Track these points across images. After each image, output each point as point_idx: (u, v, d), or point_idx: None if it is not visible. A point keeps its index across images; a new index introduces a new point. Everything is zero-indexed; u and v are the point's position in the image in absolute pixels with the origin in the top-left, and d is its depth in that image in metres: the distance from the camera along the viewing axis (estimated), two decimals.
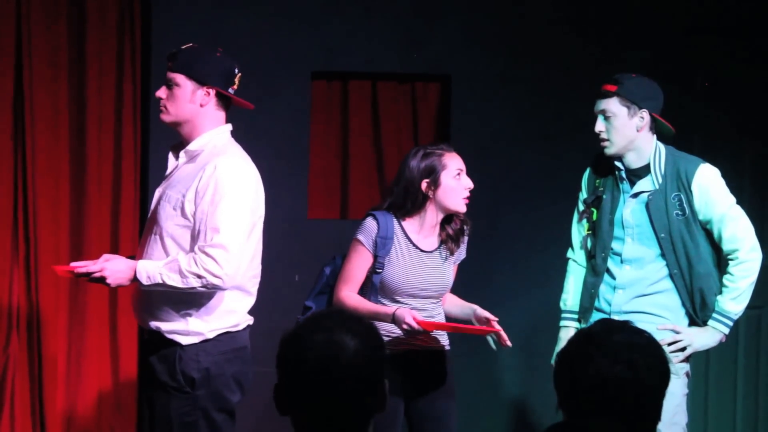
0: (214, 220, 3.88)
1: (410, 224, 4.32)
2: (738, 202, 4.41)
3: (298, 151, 5.82)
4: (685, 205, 4.33)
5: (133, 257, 4.08)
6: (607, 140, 4.35)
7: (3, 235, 5.56)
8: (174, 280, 3.87)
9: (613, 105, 4.34)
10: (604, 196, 4.44)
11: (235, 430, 4.08)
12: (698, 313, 4.37)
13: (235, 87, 4.08)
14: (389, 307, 4.23)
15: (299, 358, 2.24)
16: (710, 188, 4.33)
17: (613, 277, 4.42)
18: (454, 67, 5.98)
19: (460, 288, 4.52)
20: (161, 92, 4.07)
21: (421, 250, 4.33)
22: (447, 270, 4.38)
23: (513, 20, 6.01)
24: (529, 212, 5.98)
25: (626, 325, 2.43)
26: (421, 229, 4.33)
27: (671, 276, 4.36)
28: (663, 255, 4.35)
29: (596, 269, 4.45)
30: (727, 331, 4.38)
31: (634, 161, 4.39)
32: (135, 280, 3.92)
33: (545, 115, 6.00)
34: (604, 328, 2.41)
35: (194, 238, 3.93)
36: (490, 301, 4.56)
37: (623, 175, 4.40)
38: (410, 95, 6.12)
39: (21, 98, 5.57)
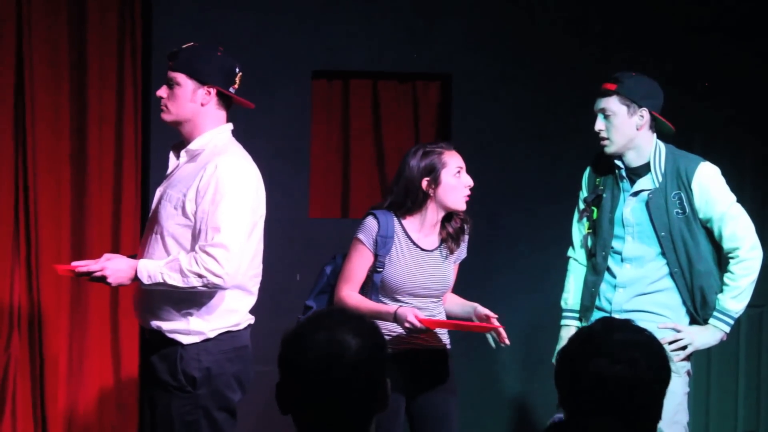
0: (214, 220, 3.88)
1: (411, 223, 4.32)
2: (739, 201, 4.41)
3: (299, 150, 5.82)
4: (685, 203, 4.32)
5: (134, 256, 4.08)
6: (607, 139, 4.35)
7: (4, 234, 5.56)
8: (175, 280, 3.87)
9: (612, 103, 4.34)
10: (605, 195, 4.44)
11: (237, 430, 4.08)
12: (699, 311, 4.37)
13: (236, 86, 4.08)
14: (391, 306, 4.23)
15: (301, 357, 2.24)
16: (710, 187, 4.33)
17: (614, 276, 4.42)
18: (455, 66, 5.98)
19: (460, 287, 4.52)
20: (162, 91, 4.06)
21: (422, 249, 4.33)
22: (448, 269, 4.38)
23: (514, 20, 6.01)
24: (529, 211, 5.98)
25: (627, 323, 2.43)
26: (422, 228, 4.33)
27: (672, 275, 4.36)
28: (663, 254, 4.35)
29: (597, 268, 4.45)
30: (727, 329, 4.38)
31: (634, 160, 4.39)
32: (136, 279, 3.92)
33: (546, 114, 6.01)
34: (605, 327, 2.41)
35: (195, 237, 3.93)
36: (491, 300, 4.56)
37: (623, 173, 4.40)
38: (411, 94, 6.12)
39: (22, 98, 5.57)
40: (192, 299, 3.96)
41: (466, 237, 4.44)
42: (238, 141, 4.11)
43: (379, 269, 4.28)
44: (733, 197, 4.38)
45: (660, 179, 4.35)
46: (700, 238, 4.35)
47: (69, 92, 5.62)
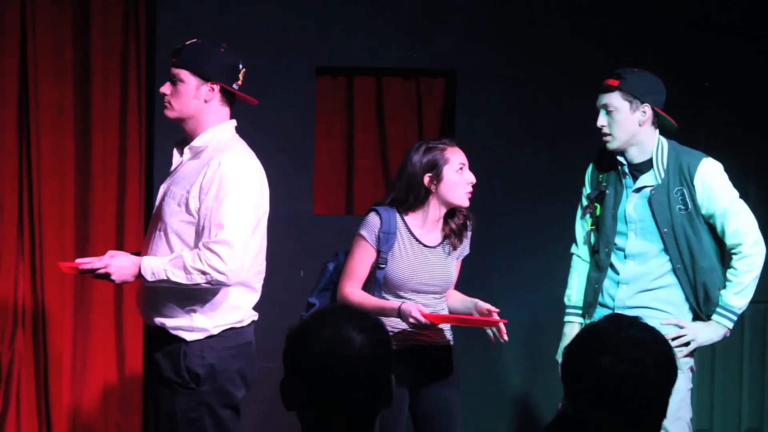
0: (218, 216, 3.88)
1: (413, 219, 4.32)
2: (743, 198, 4.41)
3: (303, 147, 5.82)
4: (687, 199, 4.32)
5: (138, 254, 4.08)
6: (609, 135, 4.35)
7: (9, 232, 5.57)
8: (178, 277, 3.87)
9: (615, 99, 4.34)
10: (607, 191, 4.44)
11: (240, 426, 4.08)
12: (702, 307, 4.37)
13: (239, 83, 4.08)
14: (395, 302, 4.23)
15: (306, 354, 2.24)
16: (713, 182, 4.33)
17: (617, 273, 4.42)
18: (459, 62, 5.97)
19: (463, 284, 4.51)
20: (165, 88, 4.06)
21: (424, 245, 4.32)
22: (450, 265, 4.38)
23: (517, 17, 6.00)
24: (532, 208, 5.98)
25: (635, 321, 2.42)
26: (424, 224, 4.33)
27: (674, 271, 4.36)
28: (666, 250, 4.35)
29: (600, 264, 4.45)
30: (731, 325, 4.38)
31: (636, 156, 4.38)
32: (139, 276, 3.92)
33: (549, 111, 6.00)
34: (613, 324, 2.40)
35: (199, 234, 3.93)
36: (494, 297, 4.55)
37: (626, 170, 4.39)
38: (415, 91, 6.12)
39: (26, 96, 5.57)
40: (195, 296, 3.96)
41: (469, 233, 4.44)
42: (241, 137, 4.11)
43: (381, 265, 4.27)
44: (735, 193, 4.37)
45: (662, 175, 4.34)
46: (703, 234, 4.35)
47: (73, 90, 5.62)
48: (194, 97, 4.02)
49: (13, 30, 5.55)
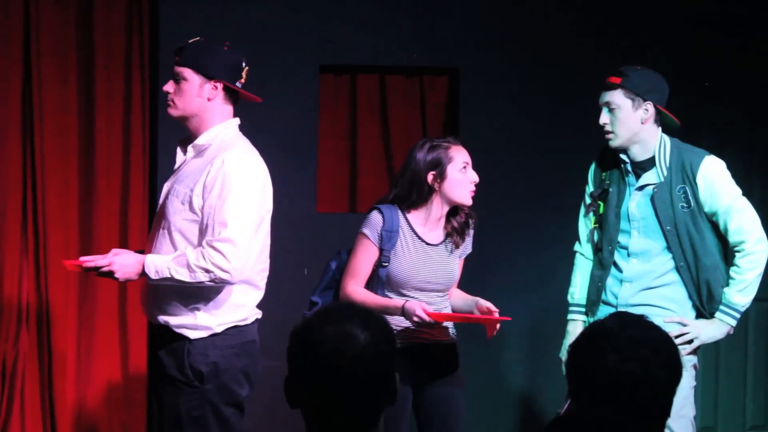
0: (221, 215, 3.88)
1: (415, 217, 4.32)
2: (747, 196, 4.40)
3: (307, 145, 5.82)
4: (690, 197, 4.31)
5: (142, 252, 4.08)
6: (612, 132, 4.34)
7: (13, 230, 5.58)
8: (182, 275, 3.87)
9: (617, 97, 4.33)
10: (611, 189, 4.43)
11: (244, 424, 4.08)
12: (705, 305, 4.37)
13: (243, 81, 4.08)
14: (398, 300, 4.23)
15: (310, 351, 2.24)
16: (715, 180, 4.32)
17: (620, 270, 4.41)
18: (462, 60, 5.97)
19: (465, 282, 4.51)
20: (169, 86, 4.06)
21: (427, 243, 4.32)
22: (453, 263, 4.37)
23: (521, 15, 6.01)
24: (534, 206, 5.98)
25: (640, 319, 2.41)
26: (427, 222, 4.33)
27: (677, 269, 4.35)
28: (669, 248, 4.35)
29: (603, 262, 4.44)
30: (734, 323, 4.37)
31: (639, 154, 4.38)
32: (143, 274, 3.92)
33: (552, 109, 6.00)
34: (618, 323, 2.40)
35: (202, 232, 3.93)
36: (496, 294, 4.56)
37: (628, 168, 4.39)
38: (418, 89, 6.12)
39: (30, 95, 5.58)
40: (199, 294, 3.96)
41: (472, 232, 4.43)
42: (245, 136, 4.11)
43: (384, 264, 4.27)
44: (738, 190, 4.36)
45: (665, 173, 4.34)
46: (706, 232, 4.34)
47: (77, 89, 5.63)
48: (197, 96, 4.02)
49: (16, 30, 5.55)
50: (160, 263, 3.90)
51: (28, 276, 5.61)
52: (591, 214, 4.52)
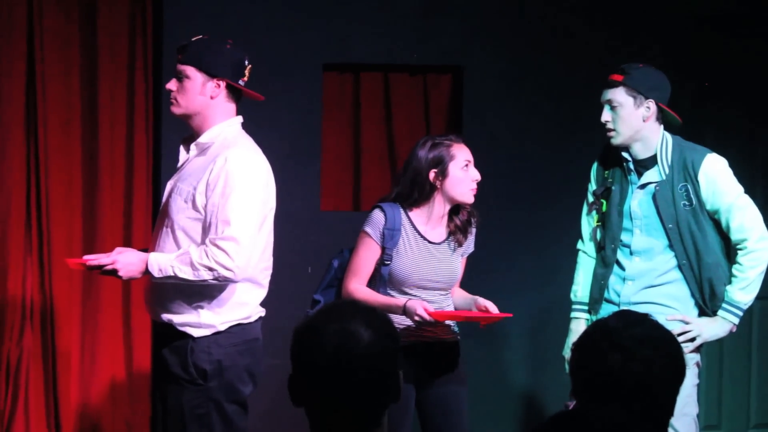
0: (224, 213, 3.88)
1: (417, 215, 4.32)
2: (750, 194, 4.39)
3: (310, 144, 5.81)
4: (692, 195, 4.31)
5: (146, 250, 4.08)
6: (613, 130, 4.34)
7: (16, 228, 5.58)
8: (185, 273, 3.87)
9: (619, 95, 4.33)
10: (614, 188, 4.43)
11: (247, 422, 4.08)
12: (707, 303, 4.36)
13: (246, 79, 4.08)
14: (400, 299, 4.23)
15: (314, 349, 2.24)
16: (717, 178, 4.32)
17: (623, 269, 4.41)
18: (466, 58, 5.97)
19: (468, 280, 4.51)
20: (171, 84, 4.06)
21: (429, 242, 4.32)
22: (455, 262, 4.37)
23: (524, 13, 6.00)
24: (538, 204, 5.98)
25: (644, 319, 2.41)
26: (429, 220, 4.32)
27: (680, 267, 4.35)
28: (671, 246, 4.34)
29: (606, 260, 4.44)
30: (736, 320, 4.37)
31: (641, 152, 4.37)
32: (147, 272, 3.93)
33: (556, 108, 5.99)
34: (622, 322, 2.39)
35: (205, 230, 3.93)
36: (499, 292, 4.56)
37: (631, 166, 4.38)
38: (422, 87, 6.11)
39: (33, 93, 5.58)
40: (203, 292, 3.96)
41: (474, 230, 4.43)
42: (249, 134, 4.11)
43: (386, 262, 4.27)
44: (740, 188, 4.36)
45: (667, 171, 4.33)
46: (708, 230, 4.33)
47: (80, 87, 5.63)
48: (200, 94, 4.02)
49: (20, 29, 5.55)
50: (164, 262, 3.90)
51: (32, 274, 5.61)
52: (594, 212, 4.51)
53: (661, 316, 4.20)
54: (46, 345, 5.60)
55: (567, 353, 4.47)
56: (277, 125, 5.58)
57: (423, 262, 4.30)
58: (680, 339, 4.26)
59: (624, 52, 5.68)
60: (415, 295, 4.27)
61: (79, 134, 5.63)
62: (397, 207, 4.30)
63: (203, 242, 3.91)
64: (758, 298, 4.45)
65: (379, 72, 6.05)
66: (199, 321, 3.97)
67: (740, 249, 4.33)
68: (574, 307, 4.55)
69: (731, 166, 4.38)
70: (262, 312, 4.11)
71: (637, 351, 2.33)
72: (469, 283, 4.52)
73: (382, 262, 4.28)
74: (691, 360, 4.32)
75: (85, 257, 4.04)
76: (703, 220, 4.32)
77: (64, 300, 5.59)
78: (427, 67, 6.05)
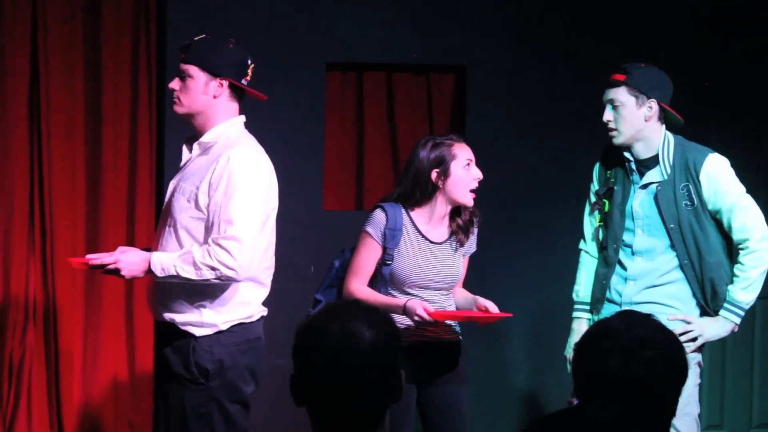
0: (227, 212, 3.88)
1: (419, 215, 4.32)
2: (753, 194, 4.39)
3: (314, 143, 5.82)
4: (693, 195, 4.31)
5: (148, 249, 4.08)
6: (615, 130, 4.34)
7: (20, 227, 5.58)
8: (188, 272, 3.88)
9: (621, 94, 4.33)
10: (616, 188, 4.43)
11: (249, 421, 4.08)
12: (709, 303, 4.36)
13: (248, 78, 4.08)
14: (400, 299, 4.23)
15: (316, 349, 2.24)
16: (719, 178, 4.31)
17: (625, 269, 4.40)
18: (469, 58, 5.97)
19: (470, 279, 4.51)
20: (174, 84, 4.06)
21: (431, 241, 4.32)
22: (457, 261, 4.37)
23: (527, 12, 6.00)
24: (541, 204, 5.98)
25: (647, 320, 2.41)
26: (430, 220, 4.32)
27: (681, 266, 4.35)
28: (673, 246, 4.34)
29: (608, 260, 4.44)
30: (738, 320, 4.36)
31: (642, 152, 4.37)
32: (149, 272, 3.93)
33: (560, 107, 5.99)
34: (624, 323, 2.39)
35: (208, 230, 3.93)
36: (502, 292, 4.56)
37: (632, 166, 4.38)
38: (425, 87, 6.11)
39: (37, 92, 5.58)
40: (205, 291, 3.96)
41: (476, 230, 4.42)
42: (251, 133, 4.11)
43: (387, 262, 4.27)
44: (742, 188, 4.35)
45: (668, 171, 4.33)
46: (710, 230, 4.33)
47: (84, 86, 5.63)
48: (203, 93, 4.02)
49: (23, 26, 5.56)
50: (166, 261, 3.90)
51: (35, 273, 5.62)
52: (596, 212, 4.51)
53: (663, 316, 4.19)
54: (49, 344, 5.60)
55: (569, 353, 4.47)
56: (279, 124, 5.58)
57: (424, 262, 4.30)
58: (682, 339, 4.25)
59: (626, 51, 5.68)
60: (416, 295, 4.27)
61: (83, 133, 5.63)
62: (399, 207, 4.30)
63: (206, 242, 3.91)
64: (761, 297, 4.45)
65: (382, 72, 6.05)
66: (201, 320, 3.98)
67: (742, 249, 4.33)
68: (575, 307, 4.55)
69: (734, 165, 4.38)
70: (264, 311, 4.12)
71: (639, 352, 2.33)
72: (471, 281, 4.51)
73: (384, 262, 4.28)
74: (693, 360, 4.32)
75: (88, 256, 4.04)
76: (704, 219, 4.32)
77: (67, 299, 5.59)
78: (430, 66, 6.05)
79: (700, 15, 6.09)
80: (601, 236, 4.49)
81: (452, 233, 4.36)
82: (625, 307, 4.30)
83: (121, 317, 5.71)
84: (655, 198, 4.35)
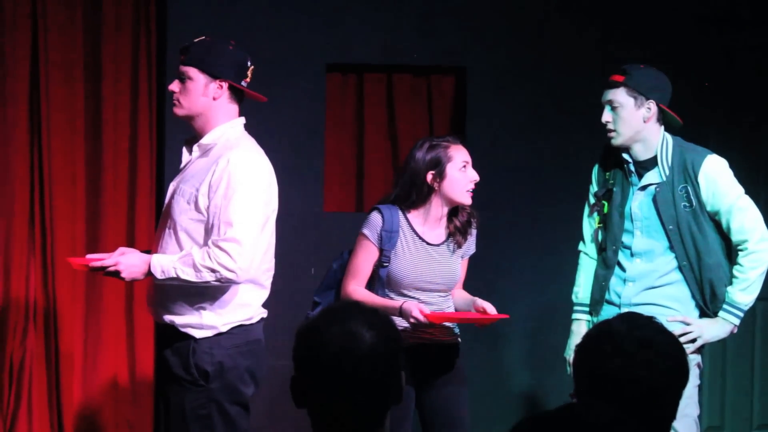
0: (227, 214, 3.88)
1: (415, 217, 4.31)
2: (752, 196, 4.39)
3: (314, 144, 5.82)
4: (692, 196, 4.30)
5: (148, 251, 4.08)
6: (614, 131, 4.34)
7: (20, 228, 5.59)
8: (188, 274, 3.88)
9: (620, 95, 4.32)
10: (615, 189, 4.42)
11: (249, 423, 4.08)
12: (708, 304, 4.36)
13: (248, 80, 4.08)
14: (396, 301, 4.23)
15: (316, 351, 2.24)
16: (717, 179, 4.31)
17: (624, 270, 4.40)
18: (469, 59, 5.97)
19: (469, 281, 4.51)
20: (174, 86, 4.06)
21: (428, 243, 4.31)
22: (455, 263, 4.37)
23: (527, 13, 6.00)
24: (540, 206, 5.97)
25: (648, 322, 2.40)
26: (426, 222, 4.32)
27: (680, 268, 4.34)
28: (672, 247, 4.34)
29: (607, 262, 4.44)
30: (737, 321, 4.36)
31: (641, 153, 4.37)
32: (149, 274, 3.93)
33: (560, 108, 5.99)
34: (625, 325, 2.39)
35: (208, 232, 3.93)
36: (501, 294, 4.56)
37: (631, 167, 4.38)
38: (425, 88, 6.11)
39: (37, 93, 5.59)
40: (205, 293, 3.96)
41: (474, 231, 4.42)
42: (251, 135, 4.11)
43: (384, 264, 4.27)
44: (740, 189, 4.35)
45: (667, 172, 4.33)
46: (708, 231, 4.33)
47: (84, 88, 5.64)
48: (203, 95, 4.02)
49: (24, 27, 5.56)
50: (166, 263, 3.90)
51: (35, 274, 5.62)
52: (595, 213, 4.51)
53: (662, 318, 4.18)
54: (49, 346, 5.60)
55: (569, 354, 4.47)
56: (279, 126, 5.58)
57: (421, 264, 4.29)
58: (681, 340, 4.26)
59: (625, 52, 5.68)
60: (413, 297, 4.27)
61: (83, 135, 5.64)
62: (396, 209, 4.30)
63: (206, 244, 3.91)
64: (760, 299, 4.44)
65: (382, 73, 6.05)
66: (201, 322, 3.98)
67: (741, 250, 4.33)
68: (575, 308, 4.55)
69: (733, 166, 4.38)
70: (264, 313, 4.11)
71: (639, 354, 2.32)
72: (471, 283, 4.51)
73: (381, 263, 4.28)
74: (693, 361, 4.32)
75: (88, 256, 4.04)
76: (703, 221, 4.32)
77: (68, 301, 5.59)
78: (430, 67, 6.05)
79: (699, 15, 6.09)
80: (600, 238, 4.48)
81: (450, 235, 4.35)
82: (624, 309, 4.30)
83: (121, 319, 5.71)
84: (654, 199, 4.35)
